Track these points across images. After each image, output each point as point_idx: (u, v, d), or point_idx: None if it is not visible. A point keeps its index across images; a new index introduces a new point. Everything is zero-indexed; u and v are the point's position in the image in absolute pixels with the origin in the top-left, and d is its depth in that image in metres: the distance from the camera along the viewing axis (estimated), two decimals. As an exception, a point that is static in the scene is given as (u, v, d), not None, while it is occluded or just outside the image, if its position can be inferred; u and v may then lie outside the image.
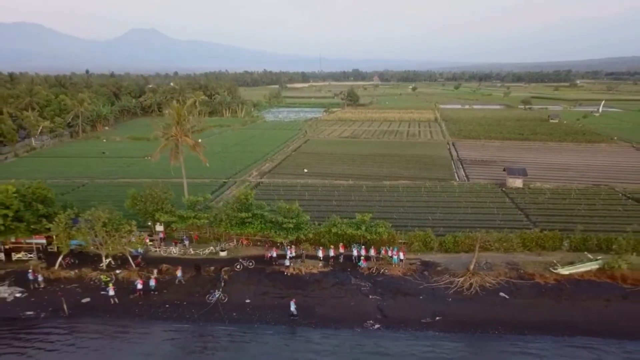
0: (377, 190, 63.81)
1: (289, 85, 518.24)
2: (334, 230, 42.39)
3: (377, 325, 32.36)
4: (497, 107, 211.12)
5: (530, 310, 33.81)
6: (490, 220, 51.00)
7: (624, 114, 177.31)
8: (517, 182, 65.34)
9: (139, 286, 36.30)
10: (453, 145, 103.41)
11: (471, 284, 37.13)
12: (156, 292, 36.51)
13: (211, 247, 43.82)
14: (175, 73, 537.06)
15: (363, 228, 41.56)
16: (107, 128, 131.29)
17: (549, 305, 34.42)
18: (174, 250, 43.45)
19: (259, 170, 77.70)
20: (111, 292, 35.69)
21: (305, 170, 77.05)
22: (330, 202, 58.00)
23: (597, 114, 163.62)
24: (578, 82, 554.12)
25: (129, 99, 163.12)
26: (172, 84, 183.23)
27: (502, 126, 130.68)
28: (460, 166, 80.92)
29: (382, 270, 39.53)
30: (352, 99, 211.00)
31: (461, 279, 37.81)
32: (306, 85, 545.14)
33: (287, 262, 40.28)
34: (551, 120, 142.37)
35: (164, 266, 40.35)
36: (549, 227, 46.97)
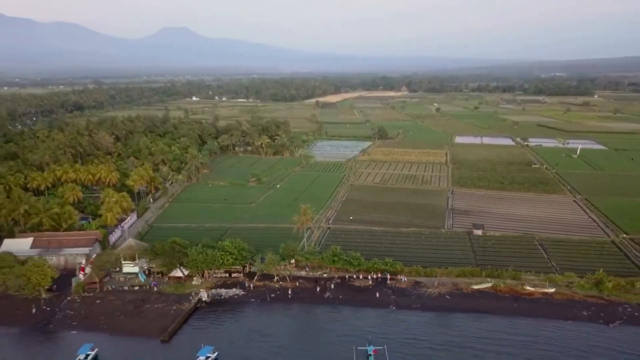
0: (397, 235, 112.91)
1: (322, 100, 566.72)
2: (375, 265, 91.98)
3: (393, 308, 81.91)
4: (503, 141, 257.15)
5: (462, 302, 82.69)
6: (454, 258, 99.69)
7: (605, 153, 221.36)
8: (478, 232, 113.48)
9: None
10: (452, 193, 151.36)
11: (436, 292, 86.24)
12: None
13: (320, 272, 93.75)
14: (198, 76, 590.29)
15: (388, 265, 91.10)
16: (206, 171, 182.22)
17: (470, 300, 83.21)
18: (304, 272, 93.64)
19: (325, 216, 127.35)
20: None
21: (351, 218, 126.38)
22: (370, 244, 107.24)
23: (575, 156, 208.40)
24: (596, 96, 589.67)
25: (213, 142, 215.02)
26: (243, 128, 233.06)
27: (493, 172, 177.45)
28: (451, 215, 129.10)
29: (396, 284, 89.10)
30: (381, 135, 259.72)
31: (432, 289, 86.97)
32: (339, 99, 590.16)
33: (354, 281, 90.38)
34: (533, 166, 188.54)
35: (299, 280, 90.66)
36: (484, 262, 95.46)
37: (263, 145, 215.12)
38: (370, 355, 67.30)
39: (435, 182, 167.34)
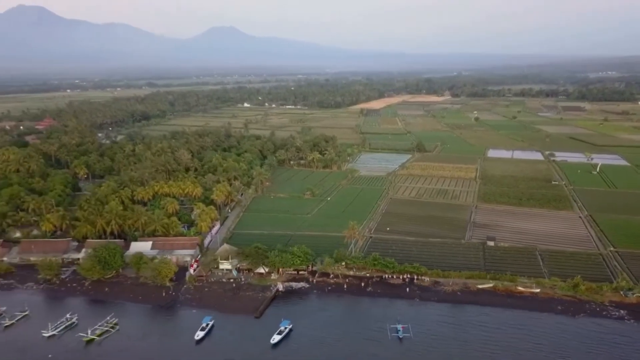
0: (424, 244, 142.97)
1: (366, 106, 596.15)
2: (405, 268, 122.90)
3: (418, 300, 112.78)
4: (532, 155, 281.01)
5: (469, 297, 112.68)
6: (468, 264, 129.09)
7: (625, 169, 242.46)
8: (491, 243, 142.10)
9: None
10: (475, 208, 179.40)
11: (450, 289, 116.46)
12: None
13: (364, 272, 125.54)
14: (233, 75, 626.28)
15: (415, 268, 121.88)
16: (268, 184, 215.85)
17: (475, 296, 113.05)
18: (352, 272, 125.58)
19: (368, 227, 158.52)
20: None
21: (388, 229, 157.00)
22: (403, 251, 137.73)
23: (595, 173, 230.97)
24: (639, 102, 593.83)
25: (272, 157, 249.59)
26: (297, 143, 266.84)
27: (515, 188, 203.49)
28: (471, 228, 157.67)
29: (421, 283, 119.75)
30: (420, 149, 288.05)
31: (447, 287, 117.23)
32: (382, 105, 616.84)
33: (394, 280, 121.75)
34: (553, 182, 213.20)
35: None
36: (490, 268, 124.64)
37: (314, 160, 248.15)
38: (399, 330, 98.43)
39: (463, 197, 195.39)
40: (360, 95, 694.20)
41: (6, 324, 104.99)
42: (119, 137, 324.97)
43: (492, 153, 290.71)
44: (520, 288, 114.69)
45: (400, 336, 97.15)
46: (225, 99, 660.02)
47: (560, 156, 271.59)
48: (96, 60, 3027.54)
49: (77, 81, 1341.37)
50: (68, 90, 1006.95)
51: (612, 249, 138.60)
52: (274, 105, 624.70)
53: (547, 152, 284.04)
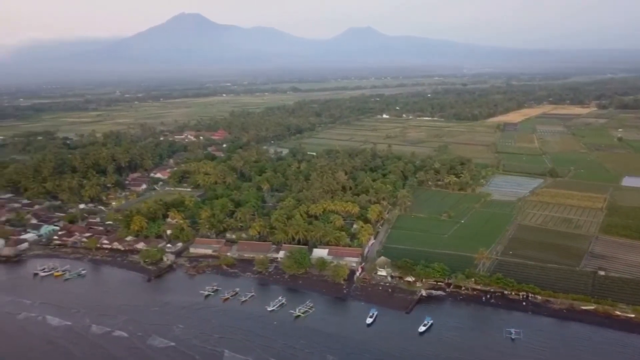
0: (542, 269, 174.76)
1: (504, 119, 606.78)
2: (522, 287, 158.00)
3: (530, 313, 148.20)
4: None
5: (572, 315, 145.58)
6: (577, 288, 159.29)
7: None
8: (602, 273, 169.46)
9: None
10: (596, 239, 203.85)
11: (558, 307, 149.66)
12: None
13: (489, 287, 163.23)
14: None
15: (530, 288, 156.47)
16: (409, 204, 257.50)
17: (578, 314, 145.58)
18: (479, 286, 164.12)
19: (495, 250, 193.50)
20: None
21: (510, 252, 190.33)
22: (523, 273, 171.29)
23: None
24: None
25: (413, 178, 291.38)
26: (435, 166, 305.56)
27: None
28: (587, 258, 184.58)
29: (534, 300, 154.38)
30: (552, 174, 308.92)
31: (555, 305, 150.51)
32: (521, 117, 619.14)
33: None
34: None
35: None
36: (596, 294, 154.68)
37: (450, 182, 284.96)
38: (512, 332, 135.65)
39: (586, 227, 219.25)
40: (498, 107, 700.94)
41: (243, 300, 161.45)
42: (283, 151, 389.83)
43: (627, 181, 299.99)
44: (617, 312, 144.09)
45: (513, 337, 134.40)
46: (365, 109, 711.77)
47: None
48: (244, 62, 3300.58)
49: (228, 84, 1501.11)
50: (224, 95, 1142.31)
51: None
52: (411, 117, 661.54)
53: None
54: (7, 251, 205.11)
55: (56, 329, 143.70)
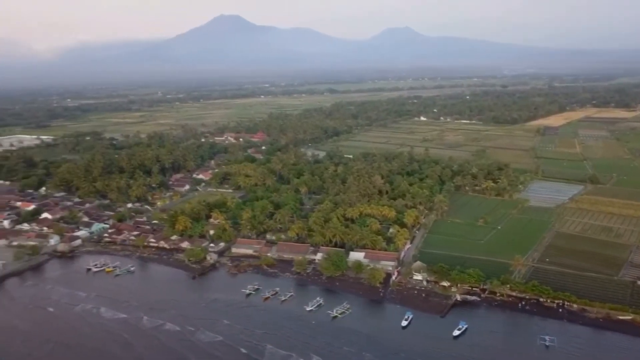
0: (579, 277, 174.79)
1: (545, 122, 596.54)
2: (557, 295, 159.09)
3: (565, 321, 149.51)
4: None
5: (609, 325, 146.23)
6: (614, 297, 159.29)
7: None
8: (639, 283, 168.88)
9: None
10: (637, 248, 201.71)
11: (594, 316, 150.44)
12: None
13: (524, 294, 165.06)
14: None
15: (566, 296, 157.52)
16: (445, 209, 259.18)
17: (615, 324, 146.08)
18: (514, 293, 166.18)
19: (531, 257, 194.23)
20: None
21: (547, 260, 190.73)
22: (560, 281, 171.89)
23: None
24: None
25: (450, 183, 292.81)
26: (472, 171, 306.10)
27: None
28: (627, 267, 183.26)
29: (570, 308, 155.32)
30: (593, 181, 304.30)
31: (592, 314, 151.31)
32: (562, 121, 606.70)
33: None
34: None
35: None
36: (633, 303, 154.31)
37: (487, 187, 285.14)
38: (546, 339, 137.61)
39: (627, 236, 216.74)
40: (538, 110, 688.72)
41: (282, 299, 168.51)
42: (319, 154, 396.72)
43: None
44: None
45: (547, 344, 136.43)
46: (402, 112, 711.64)
47: None
48: (281, 62, 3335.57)
49: (266, 85, 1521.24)
50: (262, 97, 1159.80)
51: None
52: (448, 119, 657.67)
53: None
54: (62, 247, 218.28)
55: (111, 320, 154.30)
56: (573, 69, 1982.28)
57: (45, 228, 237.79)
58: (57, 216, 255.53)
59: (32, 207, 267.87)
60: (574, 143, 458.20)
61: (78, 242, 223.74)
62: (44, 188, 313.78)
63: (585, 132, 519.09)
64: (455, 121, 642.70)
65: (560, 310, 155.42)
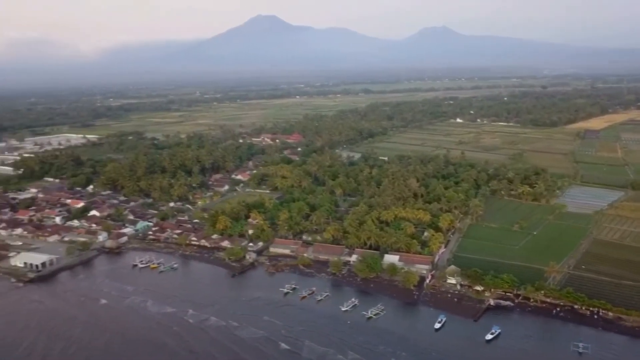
0: (616, 285, 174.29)
1: (586, 125, 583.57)
2: (592, 303, 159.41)
3: (600, 329, 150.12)
4: None
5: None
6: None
7: None
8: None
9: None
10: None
11: (631, 325, 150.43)
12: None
13: (559, 301, 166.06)
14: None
15: (601, 305, 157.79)
16: (481, 213, 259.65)
17: None
18: (549, 299, 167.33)
19: (567, 263, 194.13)
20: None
21: (583, 267, 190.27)
22: (596, 289, 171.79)
23: None
24: None
25: (485, 187, 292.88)
26: (509, 174, 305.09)
27: None
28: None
29: (604, 316, 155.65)
30: (634, 187, 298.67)
31: (628, 323, 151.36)
32: (604, 124, 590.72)
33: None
34: None
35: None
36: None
37: (524, 192, 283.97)
38: (579, 347, 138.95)
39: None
40: (579, 112, 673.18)
41: (319, 299, 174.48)
42: (354, 156, 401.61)
43: None
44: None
45: (581, 351, 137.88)
46: (438, 113, 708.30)
47: None
48: (317, 62, 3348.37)
49: (301, 85, 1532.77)
50: (297, 97, 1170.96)
51: None
52: (485, 122, 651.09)
53: None
54: (110, 243, 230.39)
55: (159, 313, 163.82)
56: (619, 69, 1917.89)
57: (94, 225, 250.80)
58: (105, 214, 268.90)
59: (81, 204, 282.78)
60: (615, 147, 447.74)
61: (124, 239, 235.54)
62: (91, 186, 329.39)
63: (628, 136, 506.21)
64: (492, 123, 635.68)
65: (595, 317, 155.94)
